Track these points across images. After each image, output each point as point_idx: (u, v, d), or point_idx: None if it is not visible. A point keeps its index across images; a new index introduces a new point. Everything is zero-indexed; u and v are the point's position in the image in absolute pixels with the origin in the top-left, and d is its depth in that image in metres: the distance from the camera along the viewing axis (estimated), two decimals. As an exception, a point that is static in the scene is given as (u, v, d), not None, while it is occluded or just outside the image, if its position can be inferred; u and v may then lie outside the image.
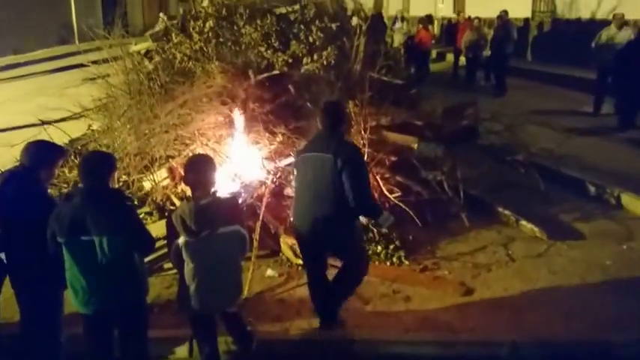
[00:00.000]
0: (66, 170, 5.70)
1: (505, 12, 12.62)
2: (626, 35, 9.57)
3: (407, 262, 5.04)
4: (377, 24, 14.88)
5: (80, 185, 3.15)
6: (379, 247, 5.12)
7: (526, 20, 16.58)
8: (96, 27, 8.58)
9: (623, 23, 9.90)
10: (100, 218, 2.91)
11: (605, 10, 13.41)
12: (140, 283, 3.19)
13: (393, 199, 5.57)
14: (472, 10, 17.66)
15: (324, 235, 3.79)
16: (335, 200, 3.66)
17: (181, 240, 3.11)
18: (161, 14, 10.57)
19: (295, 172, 3.99)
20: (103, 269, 2.95)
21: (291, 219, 4.20)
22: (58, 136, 6.35)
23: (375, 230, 5.17)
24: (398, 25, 15.45)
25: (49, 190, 3.62)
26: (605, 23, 11.25)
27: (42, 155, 3.39)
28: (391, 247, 5.15)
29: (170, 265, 4.40)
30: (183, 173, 3.43)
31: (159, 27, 8.39)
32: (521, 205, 5.94)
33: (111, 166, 3.15)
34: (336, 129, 3.79)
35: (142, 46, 8.13)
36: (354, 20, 7.83)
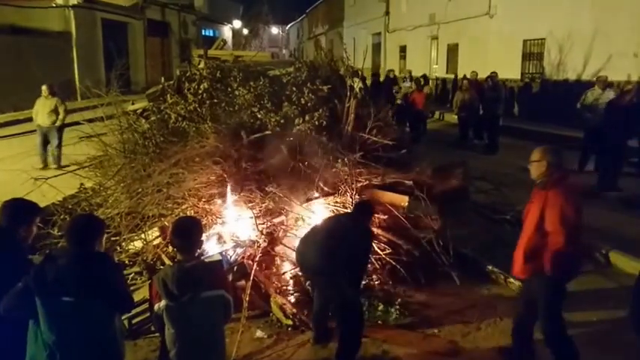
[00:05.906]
0: (56, 229, 5.66)
1: (495, 73, 13.02)
2: (609, 96, 9.87)
3: (398, 320, 5.00)
4: (387, 85, 15.33)
5: (65, 246, 3.09)
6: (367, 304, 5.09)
7: (515, 81, 17.04)
8: (98, 85, 8.74)
9: (606, 85, 10.23)
10: (84, 282, 2.83)
11: (590, 72, 13.84)
12: (117, 351, 3.06)
13: (384, 256, 5.59)
14: (464, 70, 18.18)
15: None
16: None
17: (162, 303, 3.02)
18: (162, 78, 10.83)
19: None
20: (81, 332, 2.85)
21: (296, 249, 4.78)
22: (52, 193, 6.42)
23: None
24: (407, 84, 15.86)
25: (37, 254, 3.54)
26: (590, 84, 11.60)
27: (18, 214, 3.35)
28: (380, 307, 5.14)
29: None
30: (169, 236, 3.41)
31: (156, 88, 8.59)
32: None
33: (99, 230, 3.10)
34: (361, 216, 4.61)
35: (138, 105, 8.30)
36: (356, 82, 7.87)
